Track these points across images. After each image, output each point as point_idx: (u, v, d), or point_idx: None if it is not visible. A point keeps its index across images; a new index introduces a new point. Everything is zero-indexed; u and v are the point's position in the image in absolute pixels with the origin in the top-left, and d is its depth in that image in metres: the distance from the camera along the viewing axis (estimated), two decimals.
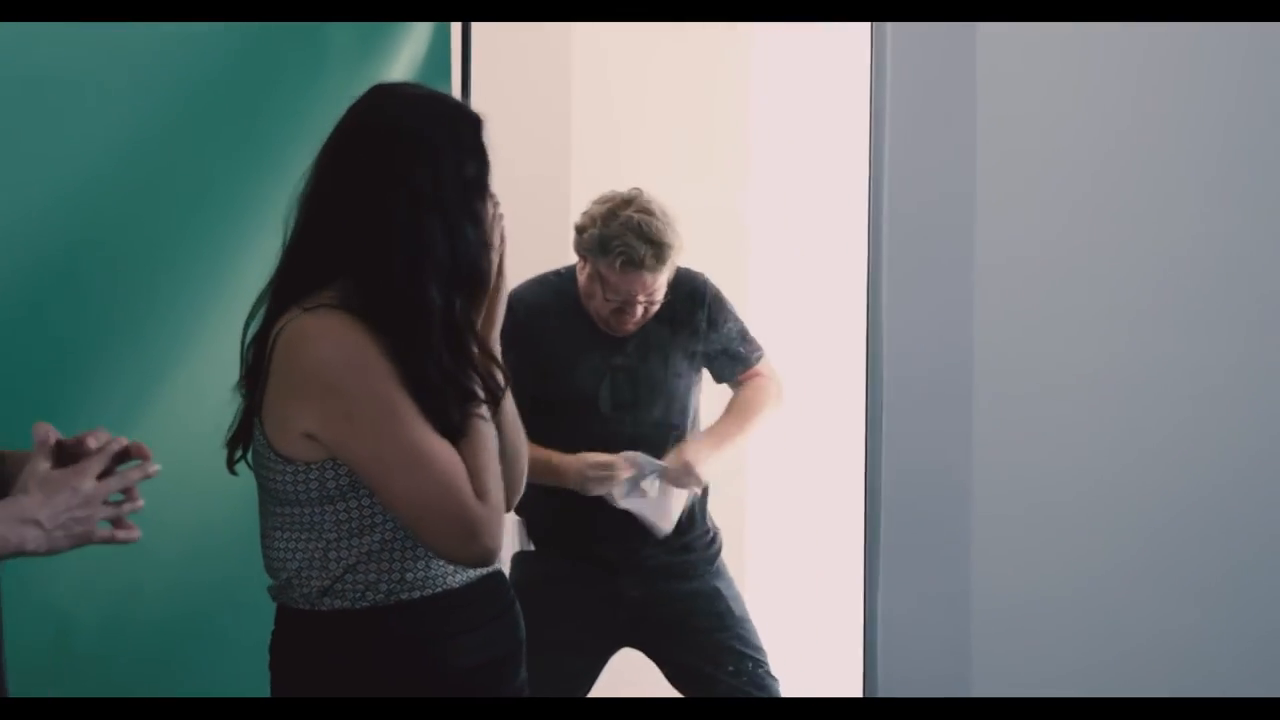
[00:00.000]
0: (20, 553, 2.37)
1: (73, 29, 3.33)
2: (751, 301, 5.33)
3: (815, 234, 5.50)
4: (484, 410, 2.75)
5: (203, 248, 3.57)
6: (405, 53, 3.90)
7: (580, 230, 4.12)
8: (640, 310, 4.11)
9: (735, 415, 4.31)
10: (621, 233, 4.04)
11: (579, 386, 4.11)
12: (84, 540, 2.43)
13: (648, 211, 4.08)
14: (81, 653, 3.43)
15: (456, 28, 4.05)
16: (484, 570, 2.83)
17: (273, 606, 2.85)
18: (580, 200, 4.22)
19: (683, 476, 4.15)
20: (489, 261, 2.80)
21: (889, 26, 3.58)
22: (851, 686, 4.00)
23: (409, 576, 2.76)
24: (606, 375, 4.13)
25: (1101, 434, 3.52)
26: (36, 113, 3.34)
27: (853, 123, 4.87)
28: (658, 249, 4.05)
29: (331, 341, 2.68)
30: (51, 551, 2.41)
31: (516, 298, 4.06)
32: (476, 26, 4.11)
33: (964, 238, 3.53)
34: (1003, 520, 3.53)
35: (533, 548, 4.20)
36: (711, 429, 4.29)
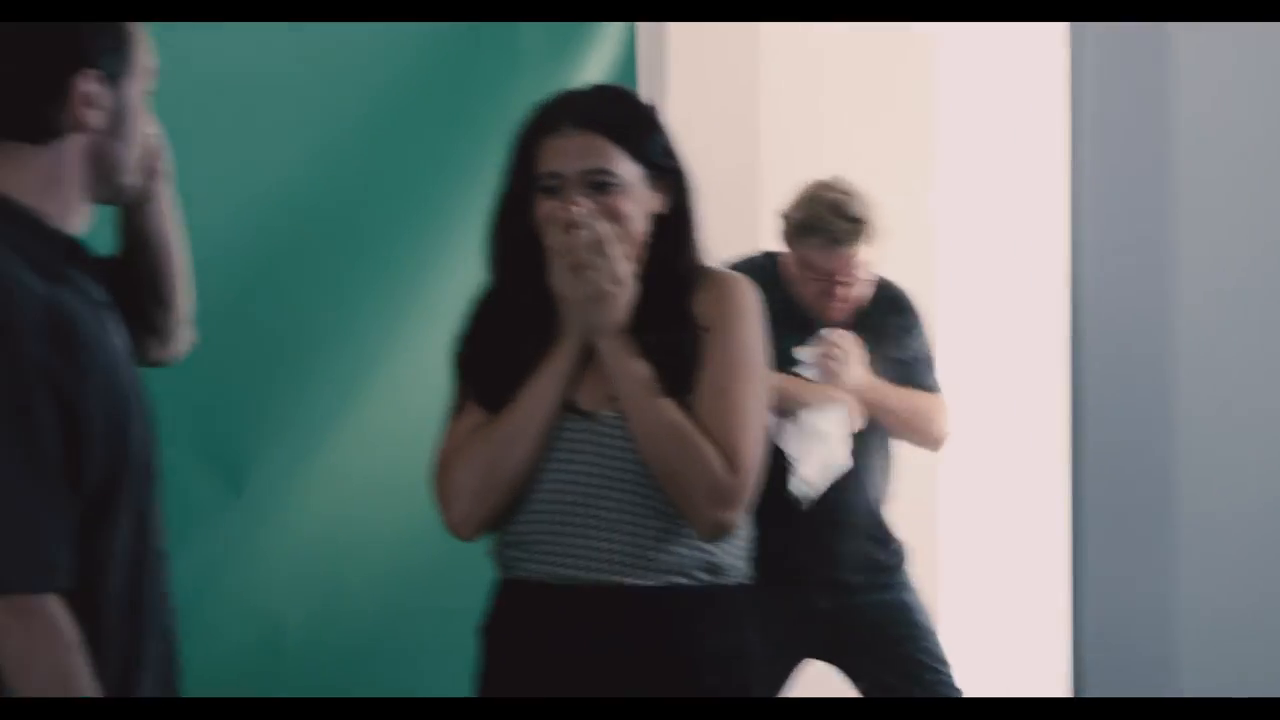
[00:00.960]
0: None
1: (263, 30, 3.37)
2: (940, 305, 5.28)
3: (1003, 236, 5.44)
4: (517, 401, 2.77)
5: (402, 250, 3.61)
6: (595, 62, 3.92)
7: (785, 218, 4.14)
8: (844, 291, 4.11)
9: (906, 394, 4.26)
10: (821, 212, 4.08)
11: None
12: None
13: (845, 191, 4.11)
14: (290, 652, 3.47)
15: (644, 30, 4.06)
16: None
17: (475, 600, 2.86)
18: (768, 200, 4.22)
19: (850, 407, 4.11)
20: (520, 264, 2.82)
21: (1089, 27, 3.54)
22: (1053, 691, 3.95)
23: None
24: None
25: None
26: (235, 115, 3.40)
27: (1040, 122, 4.82)
28: (856, 225, 4.07)
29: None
30: None
31: None
32: (666, 27, 4.11)
33: (1162, 240, 3.50)
34: (1208, 521, 3.48)
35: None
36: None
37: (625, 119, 2.83)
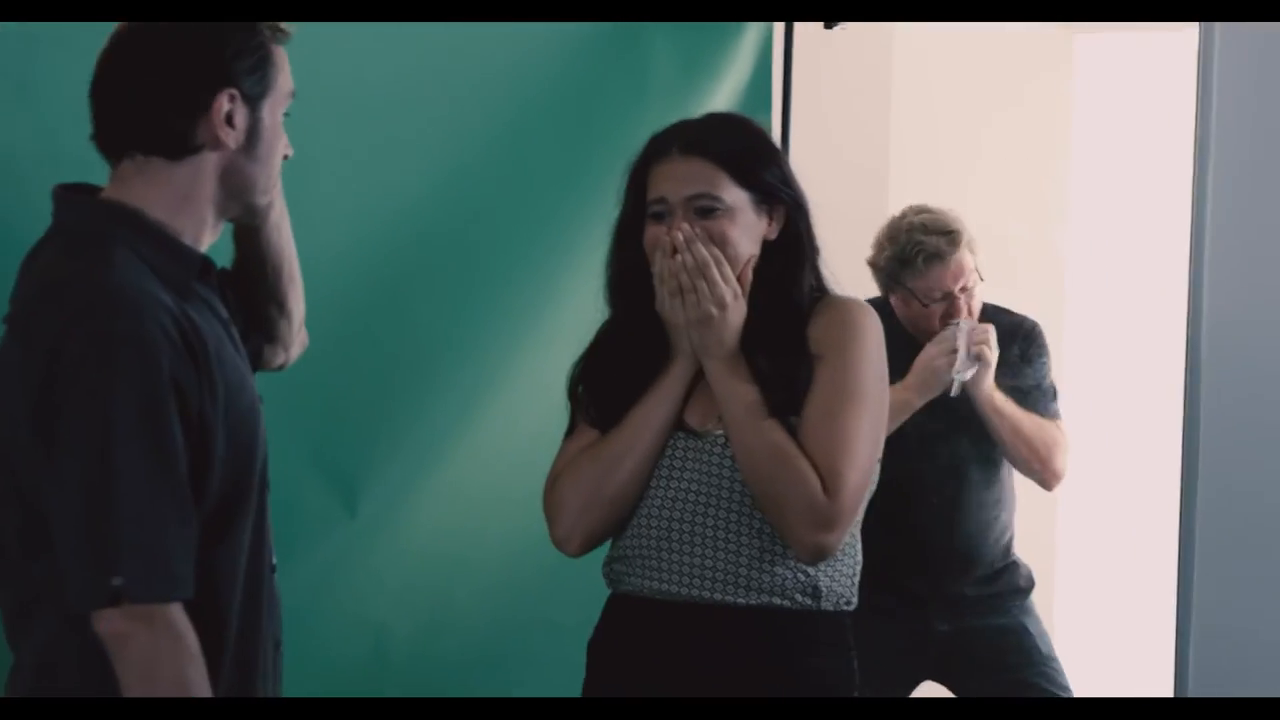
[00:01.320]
0: None
1: (393, 42, 3.40)
2: (1067, 333, 5.27)
3: (1133, 266, 5.40)
4: (627, 419, 2.85)
5: (524, 271, 3.63)
6: (729, 76, 3.93)
7: (875, 265, 4.15)
8: (963, 302, 4.10)
9: (1035, 419, 4.24)
10: (910, 239, 4.08)
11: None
12: None
13: (923, 210, 4.13)
14: (398, 662, 3.50)
15: (779, 53, 4.07)
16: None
17: (581, 613, 2.94)
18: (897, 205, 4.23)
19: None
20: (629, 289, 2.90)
21: (1217, 28, 3.48)
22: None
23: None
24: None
25: None
26: (359, 133, 3.41)
27: (1179, 145, 4.79)
28: (949, 235, 4.08)
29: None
30: None
31: None
32: (799, 49, 4.12)
33: None
34: None
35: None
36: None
37: (734, 145, 2.88)
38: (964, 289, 4.10)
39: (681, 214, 2.82)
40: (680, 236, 2.79)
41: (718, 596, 2.79)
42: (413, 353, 3.50)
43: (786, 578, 2.81)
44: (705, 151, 2.85)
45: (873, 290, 4.15)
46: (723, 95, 3.90)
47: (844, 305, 2.91)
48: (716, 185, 2.83)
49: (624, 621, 2.87)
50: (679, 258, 2.78)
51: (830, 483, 2.75)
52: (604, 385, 2.88)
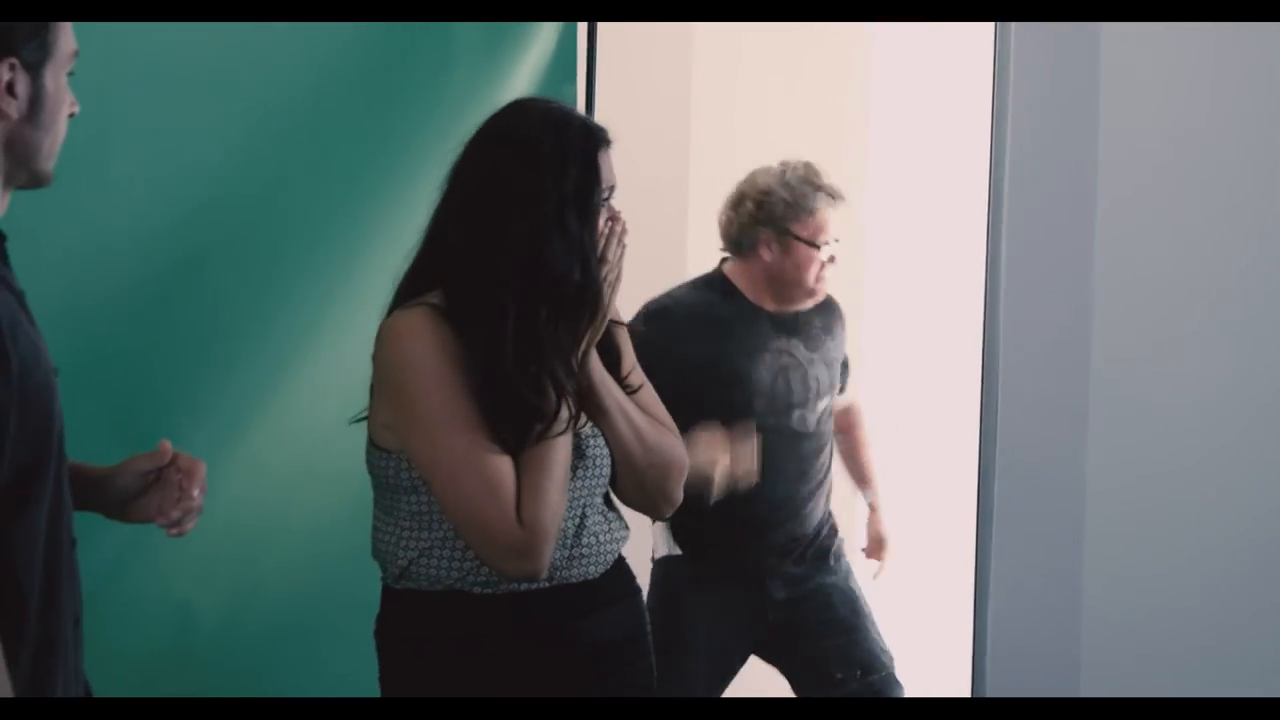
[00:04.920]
0: None
1: (203, 25, 3.35)
2: (867, 305, 5.32)
3: (933, 239, 5.48)
4: (557, 428, 2.76)
5: (326, 245, 3.60)
6: (532, 54, 3.92)
7: (754, 214, 4.18)
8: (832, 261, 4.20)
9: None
10: (806, 186, 4.16)
11: (755, 380, 4.12)
12: None
13: (798, 164, 4.21)
14: (201, 638, 3.48)
15: (583, 30, 4.07)
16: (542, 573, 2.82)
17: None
18: (698, 203, 4.23)
19: None
20: (588, 278, 2.79)
21: (1013, 27, 3.56)
22: (960, 691, 3.99)
23: (478, 567, 2.81)
24: (779, 371, 4.16)
25: (1217, 439, 3.50)
26: (161, 107, 3.37)
27: (974, 128, 4.86)
28: (834, 187, 4.19)
29: (406, 340, 2.76)
30: None
31: (673, 301, 4.11)
32: (602, 29, 4.12)
33: (1084, 244, 3.52)
34: (1116, 526, 3.51)
35: (679, 552, 4.22)
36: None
37: None
38: (833, 242, 4.18)
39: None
40: (622, 230, 2.84)
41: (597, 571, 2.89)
42: (215, 324, 3.46)
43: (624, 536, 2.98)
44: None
45: (680, 261, 4.19)
46: (528, 66, 3.89)
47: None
48: None
49: (479, 621, 2.83)
50: (621, 250, 2.83)
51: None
52: (520, 384, 2.78)
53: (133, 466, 2.57)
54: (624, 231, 2.84)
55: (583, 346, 2.81)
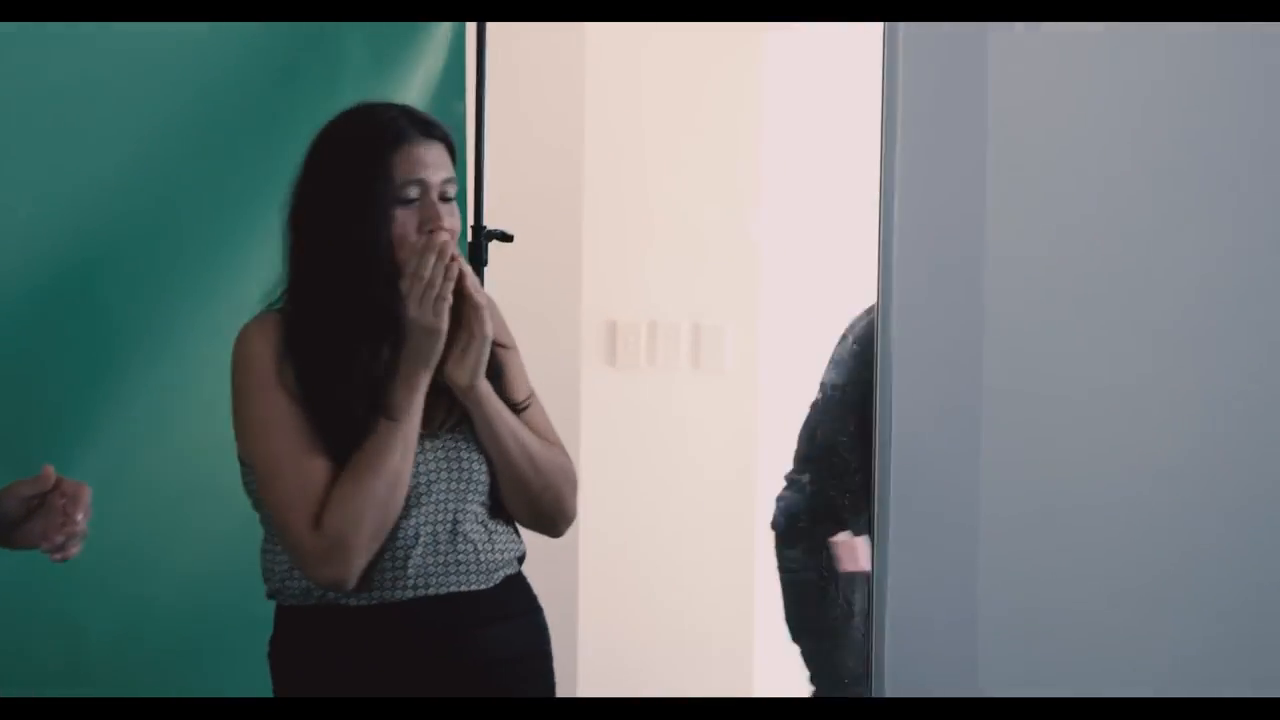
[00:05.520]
0: None
1: (82, 36, 3.33)
2: (764, 316, 5.33)
3: (827, 249, 5.49)
4: (381, 435, 2.71)
5: (216, 263, 3.58)
6: (421, 65, 3.91)
7: None
8: None
9: None
10: None
11: None
12: None
13: None
14: (95, 660, 3.45)
15: (472, 40, 4.06)
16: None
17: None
18: (592, 216, 4.23)
19: None
20: (378, 291, 2.73)
21: (900, 27, 3.57)
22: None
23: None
24: None
25: (1111, 446, 3.52)
26: (47, 120, 3.35)
27: (865, 135, 4.88)
28: None
29: (241, 344, 2.79)
30: None
31: None
32: (492, 39, 4.11)
33: (975, 250, 3.54)
34: (1010, 531, 3.53)
35: None
36: None
37: (448, 128, 2.85)
38: None
39: (434, 196, 2.76)
40: (446, 241, 2.73)
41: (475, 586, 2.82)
42: (104, 343, 3.44)
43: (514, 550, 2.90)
44: (441, 138, 2.81)
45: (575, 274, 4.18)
46: (416, 83, 3.88)
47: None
48: (452, 171, 2.82)
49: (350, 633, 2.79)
50: (435, 261, 2.70)
51: None
52: (342, 393, 2.75)
53: (15, 491, 2.55)
54: (445, 246, 2.73)
55: (414, 366, 2.73)
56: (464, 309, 2.76)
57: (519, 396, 2.92)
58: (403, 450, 2.72)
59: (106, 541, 3.37)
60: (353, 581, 2.72)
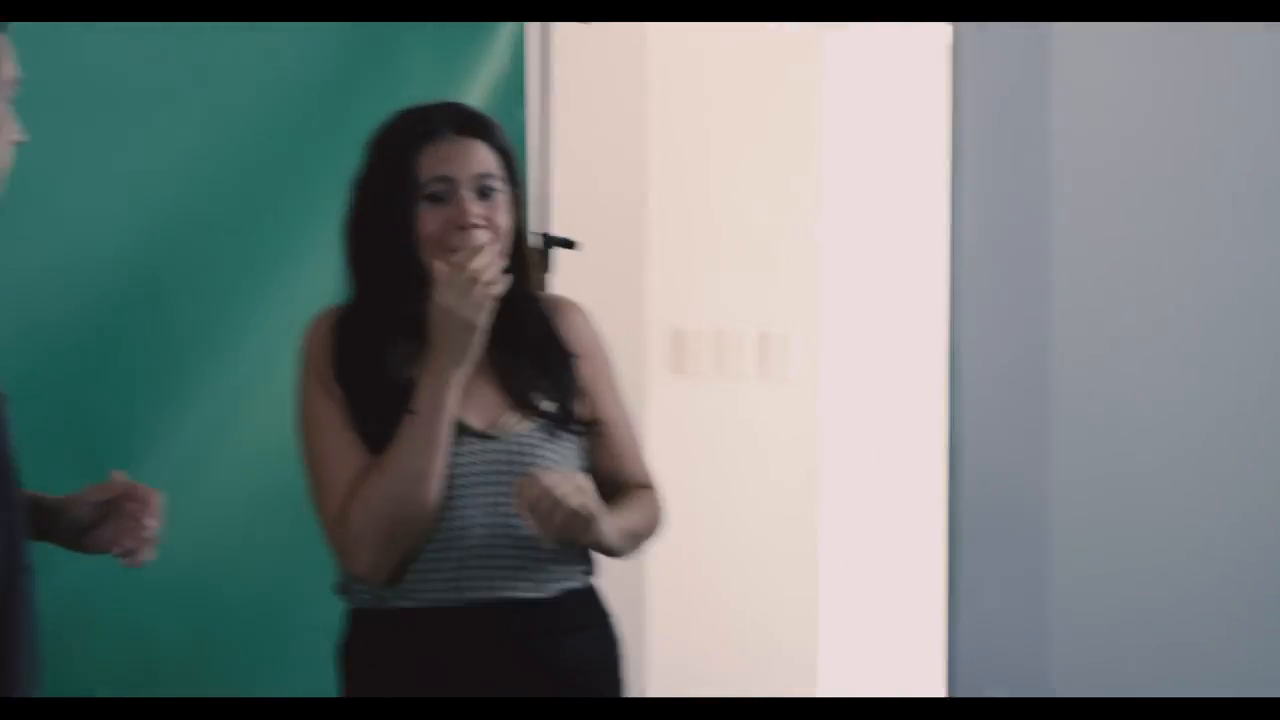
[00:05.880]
0: None
1: (148, 39, 3.35)
2: (828, 323, 5.31)
3: (892, 253, 5.47)
4: (403, 431, 2.69)
5: (286, 262, 3.59)
6: (483, 72, 3.91)
7: None
8: None
9: None
10: None
11: None
12: None
13: None
14: (167, 669, 3.47)
15: (536, 48, 4.06)
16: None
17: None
18: (657, 219, 4.22)
19: None
20: (407, 291, 2.74)
21: (964, 28, 3.54)
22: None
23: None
24: None
25: (1180, 448, 3.50)
26: (114, 126, 3.37)
27: (926, 139, 4.87)
28: None
29: (304, 338, 2.83)
30: None
31: None
32: (557, 53, 4.11)
33: (1042, 253, 3.52)
34: (1082, 536, 3.51)
35: None
36: None
37: (501, 133, 2.84)
38: None
39: (465, 192, 2.74)
40: (482, 239, 2.72)
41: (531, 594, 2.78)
42: (174, 348, 3.46)
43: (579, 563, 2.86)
44: (481, 134, 2.80)
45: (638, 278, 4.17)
46: (478, 91, 3.89)
47: (574, 305, 2.94)
48: (496, 168, 2.79)
49: (414, 636, 2.78)
50: (472, 255, 2.68)
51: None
52: (373, 389, 2.76)
53: (86, 497, 2.55)
54: (483, 244, 2.71)
55: (444, 360, 2.70)
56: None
57: (592, 414, 2.88)
58: (425, 446, 2.69)
59: (177, 545, 3.40)
60: (384, 575, 2.72)
